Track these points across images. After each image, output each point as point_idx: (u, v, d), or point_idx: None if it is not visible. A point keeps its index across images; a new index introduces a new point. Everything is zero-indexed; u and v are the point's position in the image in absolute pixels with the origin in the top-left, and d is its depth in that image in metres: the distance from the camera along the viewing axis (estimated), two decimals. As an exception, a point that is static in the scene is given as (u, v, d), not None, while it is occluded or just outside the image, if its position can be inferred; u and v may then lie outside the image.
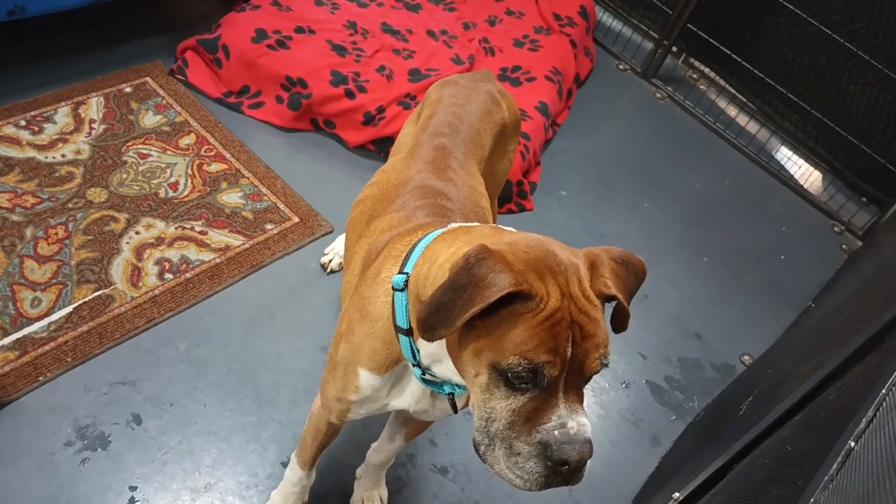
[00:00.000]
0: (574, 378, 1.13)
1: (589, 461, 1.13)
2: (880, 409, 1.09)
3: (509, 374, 1.11)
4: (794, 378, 1.88)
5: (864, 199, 4.02)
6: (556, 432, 1.10)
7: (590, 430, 1.12)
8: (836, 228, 3.91)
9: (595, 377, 1.19)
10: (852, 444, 1.06)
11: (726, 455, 1.77)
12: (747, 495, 1.41)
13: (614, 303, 1.23)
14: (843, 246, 3.81)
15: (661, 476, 2.42)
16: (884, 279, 2.38)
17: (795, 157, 4.20)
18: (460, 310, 1.09)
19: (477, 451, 1.20)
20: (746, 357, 3.05)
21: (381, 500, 2.16)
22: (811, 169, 4.16)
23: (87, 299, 2.39)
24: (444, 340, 1.23)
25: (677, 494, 1.85)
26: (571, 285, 1.14)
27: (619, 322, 1.25)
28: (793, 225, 3.84)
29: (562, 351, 1.10)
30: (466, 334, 1.16)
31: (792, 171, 4.14)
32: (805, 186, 4.07)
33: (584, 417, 1.13)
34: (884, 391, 1.13)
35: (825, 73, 3.96)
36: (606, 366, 1.15)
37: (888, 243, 3.19)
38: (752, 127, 4.18)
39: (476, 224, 1.42)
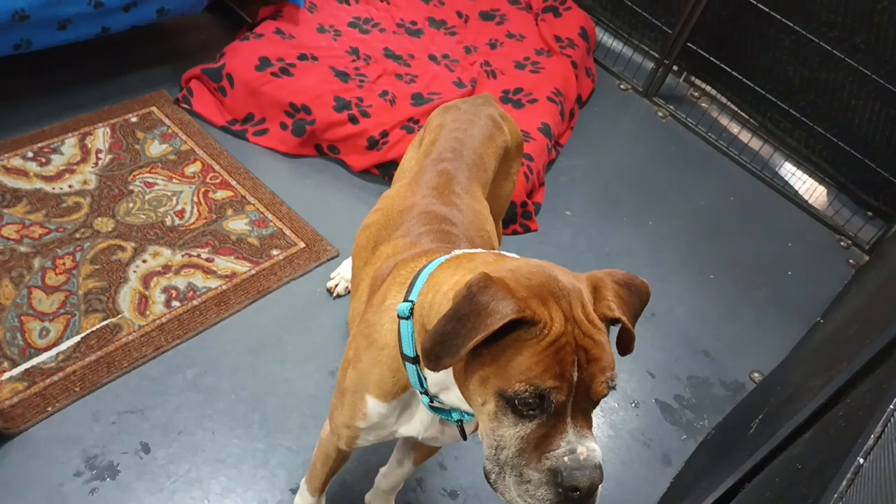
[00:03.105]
0: (582, 403, 1.12)
1: (600, 486, 1.12)
2: (888, 424, 1.08)
3: (516, 401, 1.11)
4: (804, 394, 1.87)
5: (870, 213, 4.01)
6: (565, 458, 1.10)
7: (600, 455, 1.12)
8: (842, 243, 3.90)
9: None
10: (861, 460, 1.05)
11: (737, 474, 1.75)
12: (759, 515, 1.40)
13: (619, 325, 1.23)
14: (850, 260, 3.80)
15: (673, 496, 2.41)
16: (891, 293, 2.37)
17: (799, 173, 4.20)
18: (464, 339, 1.09)
19: (488, 479, 1.19)
20: (756, 374, 3.04)
21: (390, 526, 2.16)
22: (815, 184, 4.16)
23: (94, 328, 2.40)
24: (450, 369, 1.23)
25: (689, 515, 1.84)
26: (575, 310, 1.14)
27: (625, 345, 1.25)
28: (799, 240, 3.83)
29: (568, 375, 1.10)
30: (472, 363, 1.16)
31: (796, 187, 4.14)
32: (810, 201, 4.07)
33: (594, 442, 1.13)
34: (891, 406, 1.12)
35: (826, 87, 3.97)
36: (614, 388, 1.15)
37: (895, 256, 3.18)
38: (755, 143, 4.18)
39: (479, 251, 1.42)
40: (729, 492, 1.77)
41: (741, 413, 2.71)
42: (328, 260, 2.86)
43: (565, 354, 1.10)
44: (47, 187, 2.77)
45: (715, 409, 2.86)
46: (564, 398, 1.10)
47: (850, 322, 2.51)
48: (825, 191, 4.15)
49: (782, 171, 4.20)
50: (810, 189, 4.14)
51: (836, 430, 1.38)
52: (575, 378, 1.10)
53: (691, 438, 2.73)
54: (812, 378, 2.04)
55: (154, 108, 3.23)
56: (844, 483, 1.02)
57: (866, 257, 3.83)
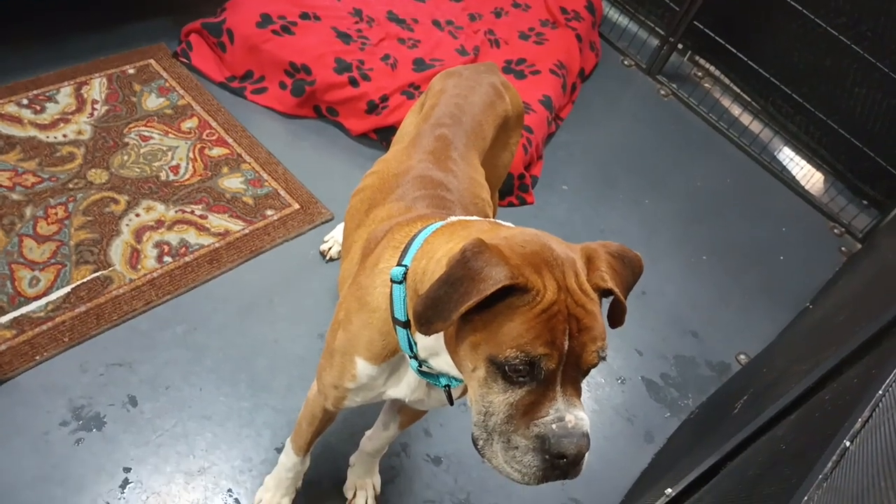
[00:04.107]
0: (572, 371, 1.13)
1: (587, 455, 1.13)
2: (876, 409, 1.09)
3: (507, 368, 1.11)
4: (790, 377, 1.88)
5: (865, 202, 4.02)
6: (553, 426, 1.10)
7: (587, 424, 1.12)
8: (835, 230, 3.91)
9: (591, 373, 1.19)
10: (847, 443, 1.06)
11: (720, 452, 1.77)
12: (740, 492, 1.42)
13: (611, 298, 1.23)
14: (843, 248, 3.81)
15: (654, 472, 2.43)
16: (884, 282, 2.38)
17: (797, 158, 4.19)
18: (456, 303, 1.09)
19: (475, 445, 1.20)
20: (742, 356, 3.06)
21: (373, 488, 2.17)
22: (813, 170, 4.16)
23: (85, 280, 2.39)
24: (441, 334, 1.23)
25: (669, 490, 1.85)
26: (568, 279, 1.14)
27: (616, 317, 1.25)
28: (793, 226, 3.83)
29: (559, 343, 1.10)
30: (463, 328, 1.16)
31: (794, 172, 4.14)
32: (806, 188, 4.07)
33: (582, 411, 1.14)
34: (880, 392, 1.13)
35: (830, 74, 3.95)
36: (604, 359, 1.15)
37: (888, 246, 3.19)
38: (756, 126, 4.17)
39: (474, 218, 1.41)
40: (710, 470, 1.78)
41: (725, 394, 2.73)
42: (322, 223, 2.85)
43: (557, 323, 1.10)
44: (41, 136, 2.74)
45: (699, 389, 2.88)
46: (555, 366, 1.10)
47: (840, 309, 2.53)
48: (822, 177, 4.15)
49: (781, 156, 4.20)
50: (807, 175, 4.13)
51: (823, 413, 1.39)
52: (566, 346, 1.10)
53: (675, 416, 2.75)
54: (799, 362, 2.06)
55: (152, 61, 3.19)
56: (830, 465, 1.03)
57: (859, 246, 3.84)
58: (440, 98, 2.04)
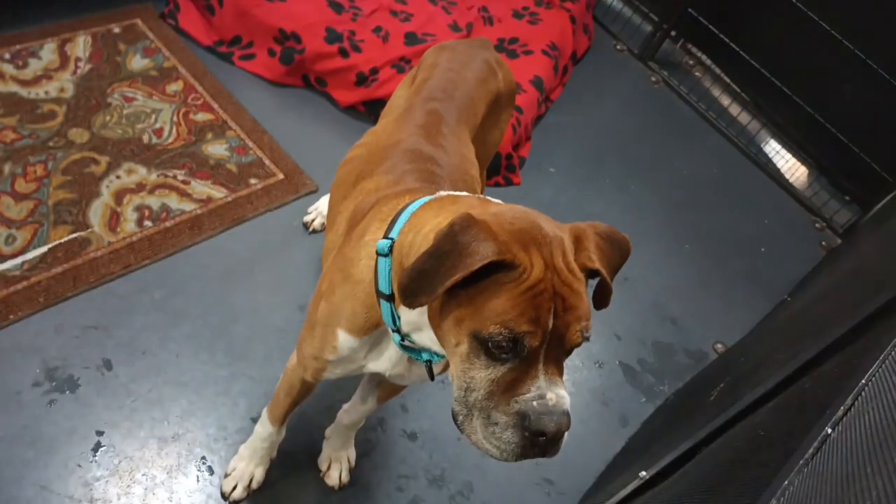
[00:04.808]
0: (555, 350, 1.12)
1: (566, 433, 1.13)
2: (859, 398, 1.10)
3: (490, 344, 1.10)
4: (769, 366, 1.90)
5: (848, 198, 4.05)
6: (534, 403, 1.09)
7: (568, 403, 1.12)
8: (817, 225, 3.94)
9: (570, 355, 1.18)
10: (829, 430, 1.07)
11: (697, 437, 1.78)
12: (718, 476, 1.43)
13: (597, 279, 1.23)
14: (823, 242, 3.84)
15: (627, 455, 2.45)
16: (863, 277, 2.40)
17: (783, 151, 4.21)
18: (442, 277, 1.08)
19: (455, 420, 1.19)
20: (719, 345, 3.08)
21: (348, 462, 2.17)
22: (798, 164, 4.18)
23: (62, 240, 2.35)
24: (425, 308, 1.22)
25: (644, 473, 1.87)
26: (555, 257, 1.13)
27: (602, 298, 1.25)
28: (775, 218, 3.85)
29: (543, 321, 1.09)
30: (448, 303, 1.15)
31: (779, 165, 4.15)
32: (791, 181, 4.09)
33: (563, 390, 1.13)
34: (863, 381, 1.14)
35: (820, 68, 3.95)
36: (587, 339, 1.14)
37: (869, 242, 3.22)
38: (744, 118, 4.17)
39: (463, 194, 1.40)
40: (686, 454, 1.79)
41: (701, 382, 2.75)
42: (307, 194, 2.82)
43: (542, 300, 1.09)
44: (23, 91, 2.68)
45: (675, 376, 2.89)
46: (538, 344, 1.10)
47: (819, 303, 2.55)
48: (806, 171, 4.17)
49: (767, 148, 4.21)
50: (792, 168, 4.15)
51: (803, 401, 1.40)
52: (550, 325, 1.10)
53: (650, 402, 2.77)
54: (778, 352, 2.07)
55: (138, 21, 3.12)
56: (811, 451, 1.04)
57: (839, 241, 3.87)
58: (433, 72, 2.01)
